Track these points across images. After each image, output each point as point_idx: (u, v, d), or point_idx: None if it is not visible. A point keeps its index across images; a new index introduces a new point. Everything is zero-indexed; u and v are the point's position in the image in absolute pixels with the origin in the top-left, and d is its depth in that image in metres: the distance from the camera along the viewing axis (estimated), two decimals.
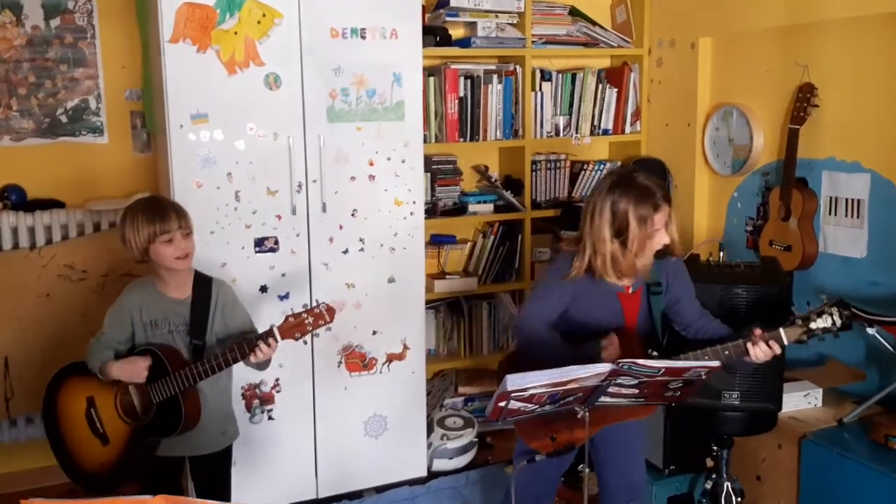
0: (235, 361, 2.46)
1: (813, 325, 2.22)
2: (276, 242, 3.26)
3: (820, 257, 3.36)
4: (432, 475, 3.69)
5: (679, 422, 3.04)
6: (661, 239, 2.31)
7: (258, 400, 3.33)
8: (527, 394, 1.91)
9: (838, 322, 2.20)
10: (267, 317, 3.23)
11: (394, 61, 3.33)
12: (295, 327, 2.41)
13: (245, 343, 2.43)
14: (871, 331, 2.83)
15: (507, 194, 4.03)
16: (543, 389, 1.91)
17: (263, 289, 3.27)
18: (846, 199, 3.26)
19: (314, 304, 2.46)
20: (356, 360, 3.47)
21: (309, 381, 3.40)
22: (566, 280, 2.40)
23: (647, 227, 2.28)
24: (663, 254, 2.35)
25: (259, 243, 3.24)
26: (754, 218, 3.72)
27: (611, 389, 2.05)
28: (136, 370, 2.47)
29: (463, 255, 4.16)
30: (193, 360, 2.50)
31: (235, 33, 3.06)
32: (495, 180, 4.11)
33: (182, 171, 3.09)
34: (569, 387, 1.93)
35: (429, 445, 3.72)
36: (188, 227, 2.51)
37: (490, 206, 4.03)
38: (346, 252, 3.38)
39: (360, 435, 3.53)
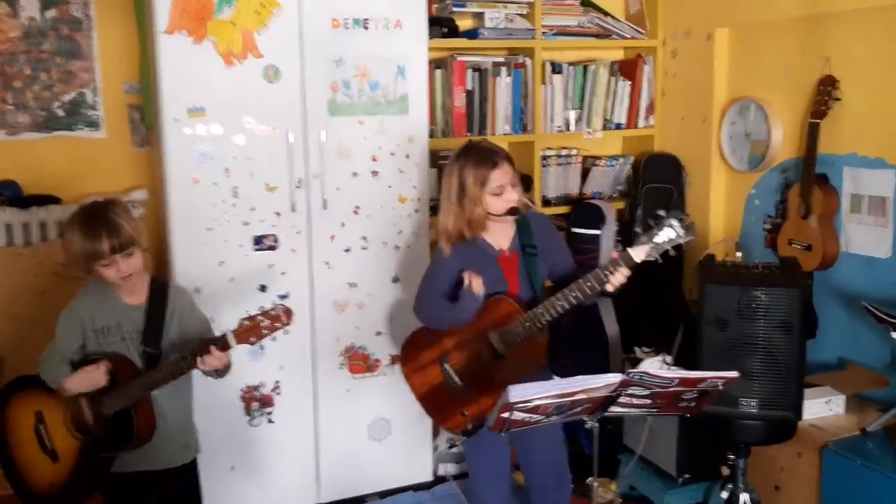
0: (190, 369, 2.31)
1: (657, 240, 2.29)
2: (276, 240, 3.16)
3: (841, 257, 3.23)
4: (438, 480, 3.59)
5: (693, 429, 2.92)
6: (509, 196, 2.50)
7: (258, 402, 3.23)
8: (531, 405, 1.79)
9: (680, 232, 2.27)
10: None
11: (397, 53, 3.22)
12: (250, 331, 2.26)
13: (197, 348, 2.28)
14: (895, 335, 2.69)
15: None
16: (550, 400, 1.79)
17: (263, 288, 3.17)
18: (869, 197, 3.12)
19: (270, 305, 2.33)
20: (359, 362, 3.37)
21: (310, 383, 3.30)
22: (446, 255, 2.57)
23: (487, 184, 2.47)
24: (514, 211, 2.53)
25: (258, 241, 3.14)
26: (773, 216, 3.59)
27: (622, 399, 1.93)
28: (95, 377, 2.33)
29: None
30: (146, 370, 2.36)
31: (233, 24, 2.96)
32: None
33: (178, 167, 2.99)
34: (577, 398, 1.82)
35: (434, 449, 3.61)
36: (128, 248, 2.30)
37: None
38: (348, 250, 3.27)
39: (363, 438, 3.43)
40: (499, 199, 2.51)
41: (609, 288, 2.35)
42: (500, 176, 2.50)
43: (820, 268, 3.25)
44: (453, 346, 2.63)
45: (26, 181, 3.41)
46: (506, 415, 1.83)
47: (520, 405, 1.80)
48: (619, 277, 2.33)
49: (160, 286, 2.49)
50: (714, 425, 2.65)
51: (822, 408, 2.93)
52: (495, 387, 2.45)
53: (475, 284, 2.48)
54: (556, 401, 1.81)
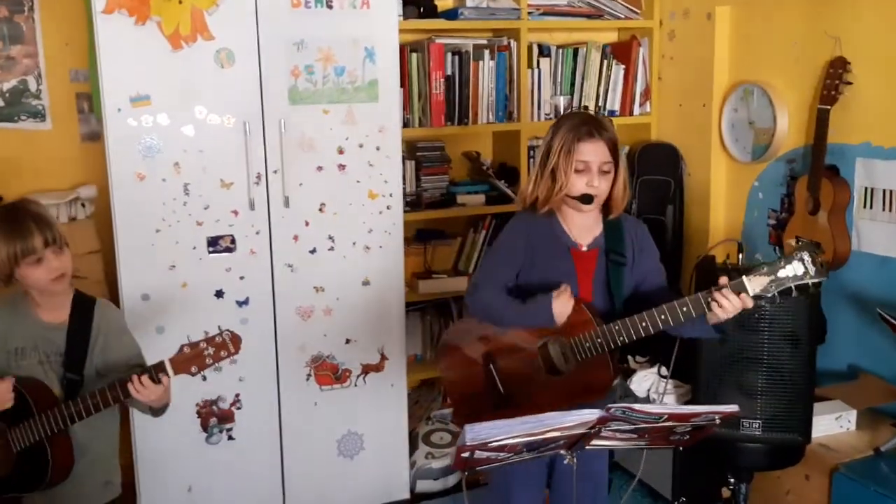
0: (116, 401, 2.02)
1: (781, 273, 1.92)
2: (233, 241, 2.89)
3: (853, 256, 2.95)
4: (416, 497, 3.33)
5: (690, 449, 2.64)
6: (592, 181, 2.11)
7: (216, 418, 2.97)
8: (496, 444, 1.52)
9: (811, 269, 1.90)
10: (224, 326, 2.88)
11: (365, 34, 2.93)
12: (191, 360, 1.98)
13: (128, 377, 2.00)
14: None
15: (501, 184, 3.62)
16: (518, 439, 1.52)
17: (219, 294, 2.90)
18: (883, 191, 2.84)
19: (217, 330, 2.05)
20: (327, 373, 3.10)
21: (274, 396, 3.04)
22: (518, 232, 2.23)
23: (573, 154, 2.11)
24: (587, 199, 2.13)
25: (213, 242, 2.87)
26: (777, 210, 3.30)
27: (604, 433, 1.66)
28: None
29: (452, 251, 3.76)
30: (66, 399, 2.07)
31: (180, 2, 2.68)
32: (487, 168, 3.70)
33: (121, 161, 2.73)
34: (549, 435, 1.55)
35: (412, 465, 3.35)
36: (60, 241, 2.05)
37: (481, 198, 3.62)
38: (313, 252, 3.00)
39: (332, 455, 3.16)
40: (580, 177, 2.11)
41: (713, 318, 1.97)
42: (591, 151, 2.11)
43: (830, 268, 2.97)
44: (504, 348, 2.22)
45: None
46: (466, 455, 1.56)
47: (482, 445, 1.53)
48: (726, 308, 1.93)
49: (84, 302, 2.19)
50: (713, 449, 2.39)
51: (832, 424, 2.66)
52: (543, 406, 2.02)
53: (564, 300, 2.07)
54: (525, 439, 1.54)
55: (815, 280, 1.90)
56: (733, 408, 1.63)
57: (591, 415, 1.52)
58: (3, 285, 2.09)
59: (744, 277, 1.93)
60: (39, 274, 2.04)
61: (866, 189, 2.90)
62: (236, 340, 2.01)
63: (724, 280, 1.96)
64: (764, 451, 2.34)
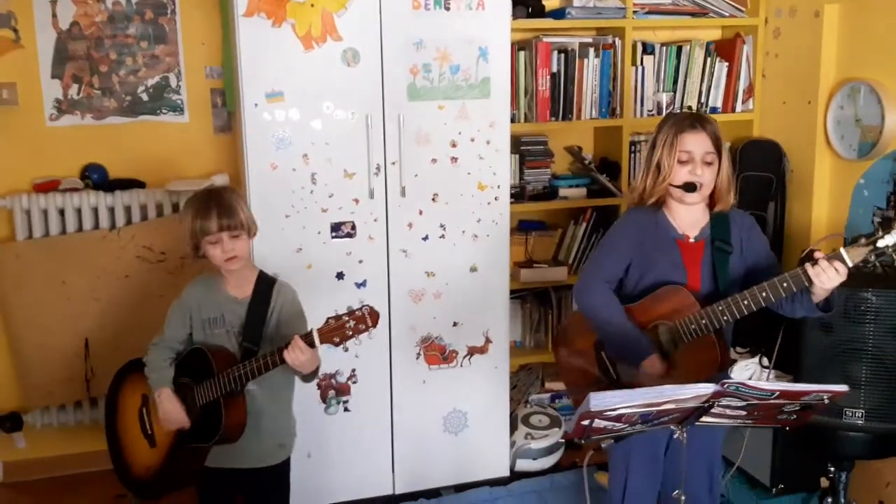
0: (275, 365, 2.26)
1: (881, 244, 1.96)
2: (354, 227, 3.10)
3: None
4: (515, 476, 3.49)
5: (791, 438, 2.72)
6: (695, 170, 2.22)
7: (334, 391, 3.20)
8: (614, 413, 1.66)
9: None
10: (343, 306, 3.10)
11: (480, 34, 3.09)
12: (334, 331, 2.19)
13: (285, 343, 2.24)
14: None
15: (602, 178, 3.73)
16: (634, 410, 1.66)
17: (340, 275, 3.12)
18: None
19: (358, 305, 2.25)
20: (435, 353, 3.29)
21: (386, 372, 3.24)
22: (627, 226, 2.38)
23: (676, 146, 2.22)
24: (690, 187, 2.24)
25: (336, 228, 3.08)
26: (883, 208, 3.30)
27: (714, 410, 1.78)
28: (171, 417, 2.38)
29: (552, 242, 3.89)
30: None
31: (312, 6, 2.89)
32: (589, 162, 3.82)
33: (256, 152, 2.96)
34: (664, 407, 1.68)
35: (512, 444, 3.51)
36: (237, 229, 2.33)
37: (583, 191, 3.74)
38: (425, 238, 3.19)
39: (439, 430, 3.35)
40: (682, 167, 2.24)
41: (817, 293, 2.03)
42: (693, 141, 2.23)
43: None
44: None
45: (112, 165, 3.45)
46: (586, 423, 1.70)
47: (603, 413, 1.67)
48: (827, 278, 1.99)
49: (266, 281, 2.47)
50: (815, 436, 2.46)
51: None
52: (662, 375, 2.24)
53: (653, 362, 2.25)
54: (641, 410, 1.67)
55: None
56: (843, 388, 1.72)
57: (706, 388, 1.64)
58: (194, 255, 2.39)
59: (842, 249, 2.00)
60: (215, 252, 2.33)
61: None
62: (374, 315, 2.20)
63: (819, 253, 2.04)
64: (865, 440, 2.40)
